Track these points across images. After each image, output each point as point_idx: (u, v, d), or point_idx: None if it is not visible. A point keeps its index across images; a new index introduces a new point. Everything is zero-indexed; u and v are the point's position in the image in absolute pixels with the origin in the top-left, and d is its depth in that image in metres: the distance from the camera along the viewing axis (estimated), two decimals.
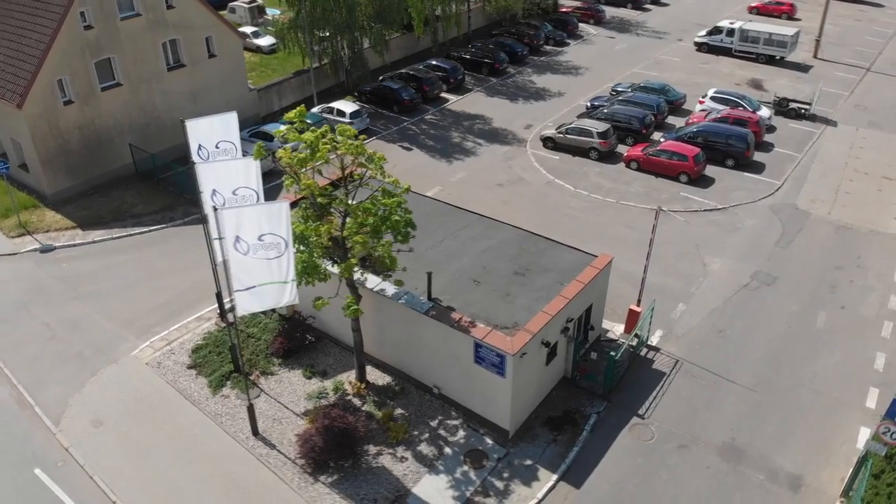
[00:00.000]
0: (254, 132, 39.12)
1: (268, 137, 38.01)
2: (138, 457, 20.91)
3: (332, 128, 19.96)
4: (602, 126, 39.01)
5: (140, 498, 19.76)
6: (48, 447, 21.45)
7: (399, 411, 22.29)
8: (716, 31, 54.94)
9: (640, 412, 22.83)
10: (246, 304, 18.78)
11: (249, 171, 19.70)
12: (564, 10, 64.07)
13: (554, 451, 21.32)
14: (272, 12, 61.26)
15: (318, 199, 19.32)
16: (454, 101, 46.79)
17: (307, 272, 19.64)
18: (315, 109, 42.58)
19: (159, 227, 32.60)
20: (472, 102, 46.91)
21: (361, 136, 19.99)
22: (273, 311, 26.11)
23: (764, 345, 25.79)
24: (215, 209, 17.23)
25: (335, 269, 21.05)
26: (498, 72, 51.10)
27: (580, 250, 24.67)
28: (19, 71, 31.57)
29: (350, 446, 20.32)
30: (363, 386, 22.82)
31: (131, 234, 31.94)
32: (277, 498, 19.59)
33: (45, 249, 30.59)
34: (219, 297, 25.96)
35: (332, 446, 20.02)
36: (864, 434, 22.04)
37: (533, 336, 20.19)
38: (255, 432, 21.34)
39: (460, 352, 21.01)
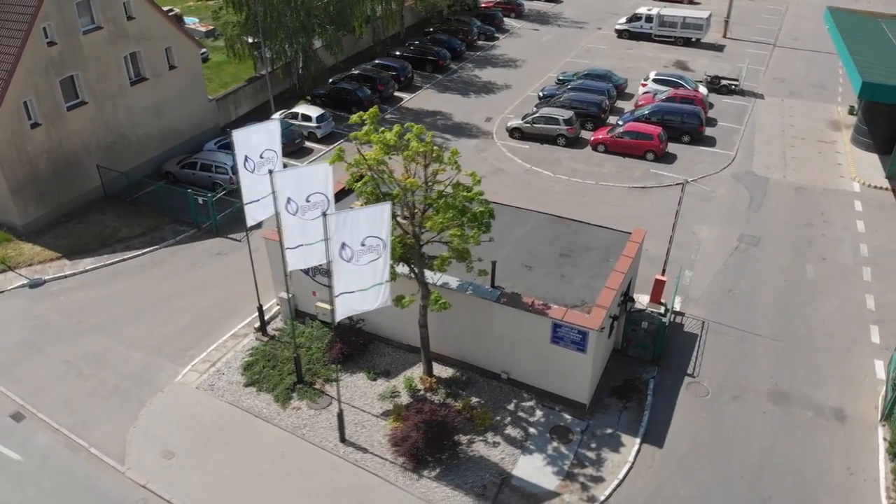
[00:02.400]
0: (223, 143, 37.91)
1: None
2: (227, 482, 20.18)
3: (404, 127, 20.08)
4: (567, 113, 40.79)
5: None
6: (121, 487, 20.24)
7: (475, 400, 22.76)
8: (635, 18, 58.37)
9: (690, 372, 24.53)
10: (344, 309, 18.67)
11: (326, 177, 19.46)
12: (485, 4, 65.70)
13: (628, 417, 22.58)
14: (190, 21, 58.91)
15: (409, 198, 19.45)
16: (408, 100, 47.17)
17: None
18: (276, 115, 41.64)
19: (151, 248, 31.04)
20: (426, 99, 47.46)
21: (430, 133, 20.23)
22: (314, 318, 25.80)
23: (770, 298, 28.26)
24: (325, 214, 17.01)
25: (402, 269, 21.21)
26: (442, 68, 51.87)
27: (612, 228, 26.07)
28: None
29: (448, 438, 20.64)
30: (434, 380, 23.08)
31: (124, 259, 30.23)
32: (388, 498, 19.59)
33: (35, 284, 28.41)
34: (260, 310, 25.42)
35: (432, 440, 20.27)
36: (879, 366, 24.83)
37: (607, 311, 21.31)
38: (343, 439, 21.14)
39: (535, 334, 21.76)
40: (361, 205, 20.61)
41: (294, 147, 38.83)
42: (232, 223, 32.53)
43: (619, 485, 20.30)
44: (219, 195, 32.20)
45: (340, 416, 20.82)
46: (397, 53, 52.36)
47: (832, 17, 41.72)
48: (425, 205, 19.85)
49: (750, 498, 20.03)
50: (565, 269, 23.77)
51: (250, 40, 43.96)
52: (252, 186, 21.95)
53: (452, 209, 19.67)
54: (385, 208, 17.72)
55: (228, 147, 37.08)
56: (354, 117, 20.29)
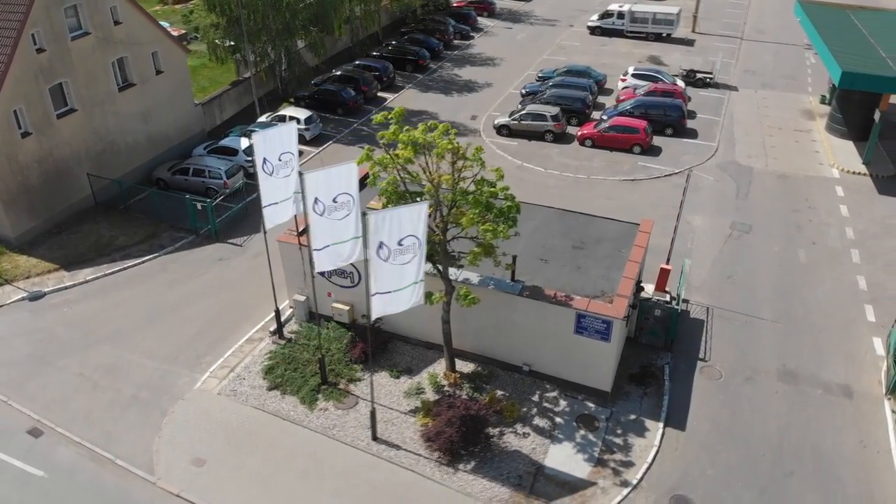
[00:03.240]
0: (212, 147, 37.49)
1: (231, 152, 36.65)
2: (263, 486, 20.10)
3: (429, 126, 20.26)
4: (554, 110, 41.40)
5: None
6: (153, 498, 19.97)
7: (500, 393, 23.07)
8: (607, 14, 59.41)
9: (702, 356, 25.26)
10: (379, 308, 18.77)
11: (351, 177, 19.50)
12: (457, 4, 66.04)
13: (649, 403, 23.17)
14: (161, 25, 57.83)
15: (439, 195, 19.64)
16: (392, 100, 47.21)
17: None
18: (263, 118, 41.34)
19: (151, 256, 30.56)
20: (410, 99, 47.57)
21: (454, 130, 20.44)
22: (330, 319, 25.76)
23: (767, 283, 29.24)
24: (364, 214, 17.11)
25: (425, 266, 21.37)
26: (422, 68, 52.02)
27: (619, 220, 26.68)
28: None
29: (480, 432, 20.92)
30: (457, 376, 23.31)
31: (124, 268, 29.70)
32: (427, 494, 19.77)
33: (35, 297, 27.73)
34: (277, 313, 25.31)
35: (466, 434, 20.52)
36: (878, 343, 25.95)
37: (628, 300, 21.85)
38: (375, 437, 21.23)
39: (558, 326, 22.17)
40: (383, 205, 20.76)
41: None
42: (231, 228, 32.27)
43: (648, 468, 20.84)
44: (217, 200, 31.86)
45: (373, 414, 20.91)
46: (375, 53, 52.34)
47: (803, 10, 43.20)
48: (452, 202, 20.07)
49: (773, 474, 20.78)
50: (580, 261, 24.24)
51: (231, 43, 43.50)
52: (271, 189, 21.86)
53: (479, 205, 19.95)
54: (423, 207, 17.87)
55: (217, 152, 36.85)
56: (379, 117, 20.39)
